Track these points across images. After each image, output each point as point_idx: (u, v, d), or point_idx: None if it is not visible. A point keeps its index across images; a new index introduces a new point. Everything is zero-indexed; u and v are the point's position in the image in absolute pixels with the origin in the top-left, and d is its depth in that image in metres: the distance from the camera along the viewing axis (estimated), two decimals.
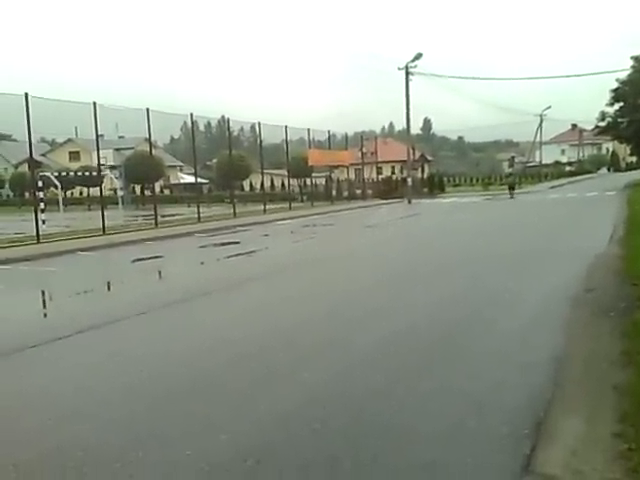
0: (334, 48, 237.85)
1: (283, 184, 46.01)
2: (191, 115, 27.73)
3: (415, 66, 41.70)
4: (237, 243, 18.91)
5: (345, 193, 44.71)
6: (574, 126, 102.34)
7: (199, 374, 5.89)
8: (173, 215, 29.99)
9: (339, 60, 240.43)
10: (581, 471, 3.59)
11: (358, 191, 45.99)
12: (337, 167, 44.02)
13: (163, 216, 28.03)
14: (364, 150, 46.71)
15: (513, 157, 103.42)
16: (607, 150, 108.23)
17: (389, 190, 45.98)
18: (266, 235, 21.63)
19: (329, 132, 41.20)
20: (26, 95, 18.59)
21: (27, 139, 19.59)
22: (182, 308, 9.21)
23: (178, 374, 5.93)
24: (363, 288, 10.34)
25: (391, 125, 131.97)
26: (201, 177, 43.48)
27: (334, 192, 43.11)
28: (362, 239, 19.83)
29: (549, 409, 4.50)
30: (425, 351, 6.33)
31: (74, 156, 58.27)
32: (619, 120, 48.39)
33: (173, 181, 59.28)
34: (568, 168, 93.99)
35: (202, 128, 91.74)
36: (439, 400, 4.91)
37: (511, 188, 41.07)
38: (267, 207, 32.61)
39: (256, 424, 4.59)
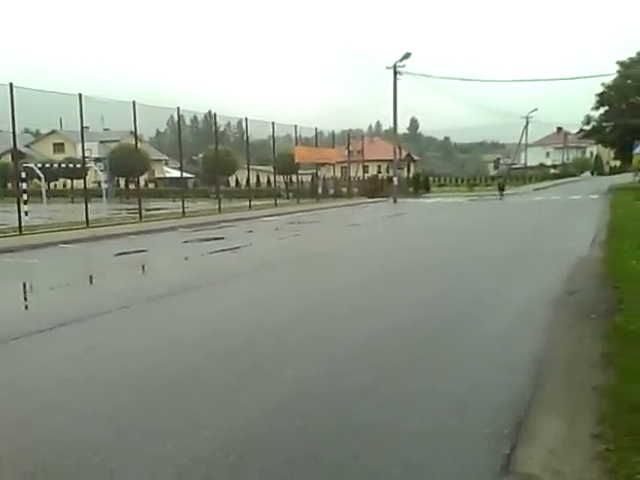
0: (324, 46, 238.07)
1: (269, 180, 46.02)
2: (178, 109, 27.65)
3: (404, 65, 41.83)
4: (222, 239, 18.86)
5: (331, 191, 44.77)
6: (559, 129, 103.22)
7: (183, 369, 5.87)
8: (158, 209, 29.87)
9: (329, 58, 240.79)
10: (560, 471, 3.64)
11: (344, 189, 46.09)
12: (323, 165, 44.04)
13: (147, 210, 27.91)
14: (351, 148, 46.79)
15: (498, 159, 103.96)
16: (591, 154, 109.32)
17: (375, 189, 46.11)
18: (251, 231, 21.59)
19: (316, 129, 41.18)
20: (10, 85, 18.40)
21: (11, 130, 19.38)
22: (165, 302, 9.18)
23: (162, 368, 5.91)
24: (348, 286, 10.36)
25: (378, 124, 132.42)
26: (186, 172, 43.32)
27: (320, 190, 43.14)
28: (347, 237, 19.86)
29: (530, 410, 4.55)
30: (410, 350, 6.35)
31: (58, 148, 57.78)
32: (604, 124, 48.95)
33: (158, 175, 59.01)
34: (552, 171, 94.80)
35: (188, 122, 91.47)
36: (423, 399, 4.94)
37: (501, 189, 43.03)
38: (252, 203, 32.55)
39: (239, 420, 4.59)
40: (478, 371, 5.63)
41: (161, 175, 59.58)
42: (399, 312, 8.14)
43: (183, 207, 27.24)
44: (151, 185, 53.90)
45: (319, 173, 44.58)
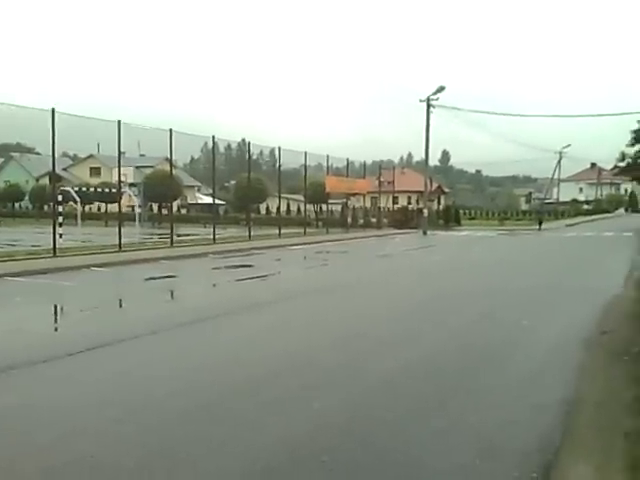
0: (356, 78, 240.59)
1: (299, 209, 46.22)
2: (213, 137, 28.07)
3: (437, 99, 42.05)
4: (250, 266, 18.96)
5: (360, 221, 44.76)
6: (593, 165, 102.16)
7: (208, 395, 5.88)
8: (189, 235, 30.16)
9: (361, 90, 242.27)
10: None
11: (373, 220, 46.05)
12: (354, 195, 44.15)
13: (179, 235, 28.20)
14: (382, 179, 46.87)
15: (530, 193, 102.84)
16: (626, 190, 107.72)
17: (405, 220, 46.07)
18: (279, 260, 21.67)
19: (347, 160, 41.42)
20: (52, 111, 18.93)
21: (50, 153, 19.91)
22: (193, 329, 9.22)
23: (188, 394, 5.92)
24: (374, 319, 10.33)
25: (409, 155, 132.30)
26: (218, 198, 43.79)
27: (349, 219, 43.17)
28: (374, 269, 19.80)
29: (559, 453, 4.45)
30: (437, 386, 6.29)
31: (95, 172, 58.99)
32: (639, 161, 48.26)
33: (190, 201, 59.80)
34: (585, 207, 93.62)
35: (222, 150, 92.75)
36: (450, 437, 4.87)
37: (539, 223, 46.89)
38: (282, 231, 32.72)
39: (264, 451, 4.56)
40: (506, 410, 5.54)
41: (193, 201, 60.39)
42: (426, 346, 8.08)
43: (214, 233, 27.49)
44: (183, 211, 54.57)
45: (349, 203, 44.72)
